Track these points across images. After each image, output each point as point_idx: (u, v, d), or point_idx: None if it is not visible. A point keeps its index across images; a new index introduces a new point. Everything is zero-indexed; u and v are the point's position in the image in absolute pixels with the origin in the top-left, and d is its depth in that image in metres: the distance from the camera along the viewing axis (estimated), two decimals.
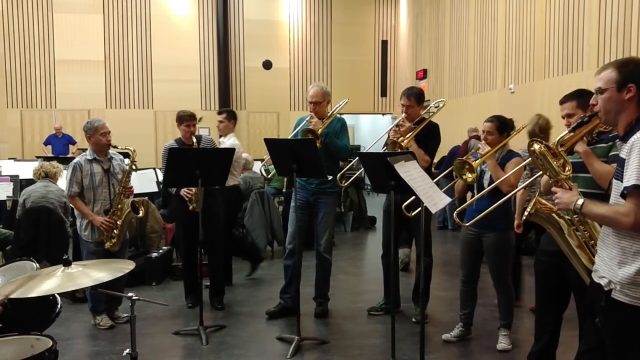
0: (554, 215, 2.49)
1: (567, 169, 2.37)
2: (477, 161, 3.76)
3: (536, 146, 2.38)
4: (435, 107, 4.61)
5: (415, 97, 4.43)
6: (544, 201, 2.51)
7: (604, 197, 2.24)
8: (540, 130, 4.57)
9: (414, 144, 4.26)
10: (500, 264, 3.92)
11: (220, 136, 5.86)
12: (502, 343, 3.96)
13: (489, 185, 3.73)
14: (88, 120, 4.47)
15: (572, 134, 2.62)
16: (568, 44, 7.23)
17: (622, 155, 2.05)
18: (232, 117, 5.79)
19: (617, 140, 2.53)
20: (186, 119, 4.88)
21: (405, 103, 4.41)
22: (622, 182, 2.01)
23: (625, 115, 2.11)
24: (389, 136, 4.45)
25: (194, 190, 4.76)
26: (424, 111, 4.60)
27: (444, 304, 5.04)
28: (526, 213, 2.50)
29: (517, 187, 3.67)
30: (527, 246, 6.71)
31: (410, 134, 4.28)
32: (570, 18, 7.19)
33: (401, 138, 4.25)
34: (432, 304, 4.80)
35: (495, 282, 3.98)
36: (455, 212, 3.86)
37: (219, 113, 5.84)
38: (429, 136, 4.38)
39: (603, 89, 2.14)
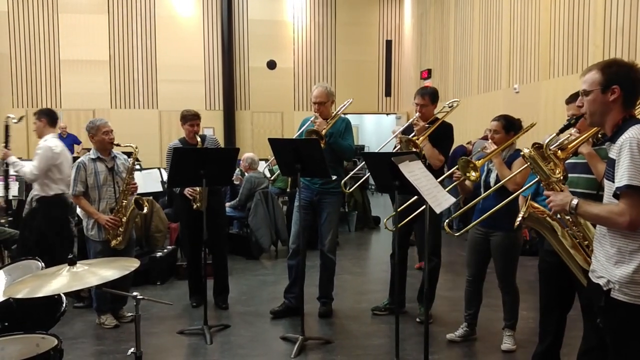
0: (547, 217, 2.50)
1: (557, 171, 2.38)
2: (481, 160, 3.76)
3: (526, 150, 2.42)
4: (449, 107, 4.60)
5: (430, 96, 4.42)
6: (536, 205, 2.52)
7: (600, 197, 2.25)
8: None
9: (428, 143, 4.26)
10: (507, 264, 3.91)
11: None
12: (507, 343, 3.95)
13: (495, 184, 3.72)
14: (91, 120, 4.51)
15: (571, 131, 2.64)
16: (573, 43, 7.20)
17: (612, 155, 2.06)
18: (42, 116, 4.97)
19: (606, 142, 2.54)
20: (190, 118, 4.89)
21: (420, 102, 4.40)
22: (613, 182, 2.02)
23: (611, 117, 2.12)
24: (403, 132, 4.46)
25: (198, 189, 4.78)
26: (437, 111, 4.60)
27: (448, 304, 5.03)
28: (520, 218, 2.51)
29: (523, 186, 3.66)
30: (531, 247, 6.72)
31: (424, 133, 4.28)
32: (575, 17, 7.16)
33: (416, 137, 4.25)
34: (437, 304, 4.79)
35: (501, 283, 3.97)
36: (447, 221, 3.86)
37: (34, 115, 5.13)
38: (442, 136, 4.37)
39: (588, 91, 2.16)
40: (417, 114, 4.40)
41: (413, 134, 4.35)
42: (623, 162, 1.96)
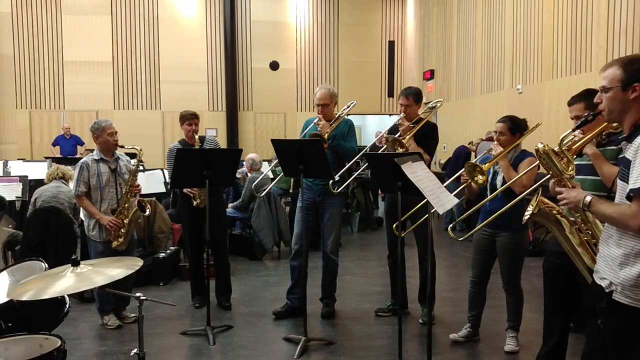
0: (556, 214, 2.48)
1: (570, 168, 2.35)
2: (488, 163, 3.73)
3: (540, 145, 2.36)
4: (432, 107, 4.63)
5: (414, 96, 4.46)
6: (546, 200, 2.49)
7: (610, 199, 2.23)
8: None
9: (413, 142, 4.28)
10: (512, 265, 3.89)
11: None
12: (510, 344, 3.94)
13: (502, 187, 3.70)
14: (95, 121, 4.51)
15: (575, 133, 2.60)
16: (576, 44, 7.19)
17: (628, 155, 2.02)
18: None
19: (623, 141, 2.51)
20: (188, 118, 4.91)
21: (404, 102, 4.45)
22: (627, 183, 1.99)
23: (630, 115, 2.08)
24: (389, 133, 4.47)
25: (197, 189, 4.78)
26: (422, 111, 4.63)
27: (451, 304, 5.02)
28: (529, 213, 2.48)
29: (530, 188, 3.64)
30: (534, 247, 6.71)
31: (409, 132, 4.30)
32: (578, 18, 7.15)
33: (402, 136, 4.27)
34: (439, 305, 4.78)
35: (506, 284, 3.95)
36: (450, 225, 3.84)
37: None
38: (427, 136, 4.40)
39: (607, 88, 2.11)
40: (402, 114, 4.44)
41: (398, 134, 4.37)
42: (639, 164, 1.93)
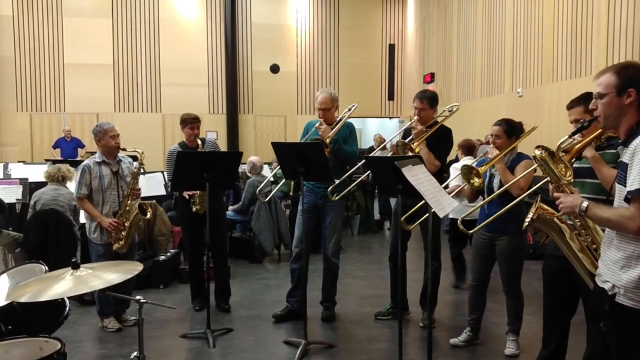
0: (556, 220, 2.48)
1: (568, 174, 2.37)
2: (484, 166, 3.74)
3: (537, 152, 2.38)
4: (449, 111, 4.56)
5: (429, 100, 4.38)
6: (545, 206, 2.50)
7: (610, 203, 2.24)
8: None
9: (425, 147, 4.23)
10: (512, 269, 3.89)
11: None
12: (510, 348, 3.94)
13: (499, 189, 3.70)
14: (97, 123, 4.51)
15: (572, 138, 2.61)
16: (576, 47, 7.20)
17: (624, 159, 2.04)
18: None
19: (619, 145, 2.53)
20: (190, 122, 4.90)
21: (418, 106, 4.37)
22: (624, 186, 2.01)
23: (625, 120, 2.10)
24: (403, 136, 4.45)
25: (198, 191, 4.78)
26: (437, 115, 4.57)
27: (451, 308, 5.02)
28: (528, 219, 2.49)
29: (527, 190, 3.64)
30: (534, 251, 6.70)
31: (421, 137, 4.26)
32: (578, 21, 7.16)
33: (414, 140, 4.24)
34: (440, 308, 4.77)
35: (505, 287, 3.95)
36: (459, 220, 3.83)
37: None
38: (440, 140, 4.33)
39: (602, 94, 2.13)
40: (415, 117, 4.36)
41: (411, 137, 4.34)
42: (636, 166, 1.95)
